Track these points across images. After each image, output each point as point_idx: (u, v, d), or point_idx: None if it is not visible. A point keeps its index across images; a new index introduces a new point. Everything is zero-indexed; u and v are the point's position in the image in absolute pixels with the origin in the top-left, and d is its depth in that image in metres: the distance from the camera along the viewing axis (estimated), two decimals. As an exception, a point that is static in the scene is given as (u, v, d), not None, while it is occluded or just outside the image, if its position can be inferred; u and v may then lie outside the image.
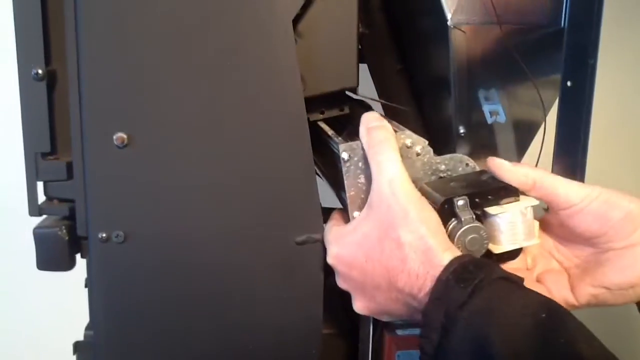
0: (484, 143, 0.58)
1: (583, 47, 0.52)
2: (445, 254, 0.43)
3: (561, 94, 0.53)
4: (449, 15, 0.51)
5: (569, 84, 0.53)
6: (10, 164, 0.74)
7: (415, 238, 0.44)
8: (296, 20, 0.51)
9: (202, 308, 0.52)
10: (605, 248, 0.48)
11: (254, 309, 0.53)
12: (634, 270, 0.46)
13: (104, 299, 0.51)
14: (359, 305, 0.49)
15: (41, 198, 0.51)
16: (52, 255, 0.51)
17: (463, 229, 0.46)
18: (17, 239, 0.64)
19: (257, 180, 0.51)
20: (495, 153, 0.58)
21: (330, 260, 0.50)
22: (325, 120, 0.60)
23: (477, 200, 0.47)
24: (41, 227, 0.51)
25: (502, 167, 0.48)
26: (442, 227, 0.46)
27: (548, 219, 0.52)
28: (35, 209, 0.51)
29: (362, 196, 0.50)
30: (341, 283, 0.50)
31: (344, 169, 0.49)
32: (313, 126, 0.57)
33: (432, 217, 0.45)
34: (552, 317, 0.39)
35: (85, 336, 0.55)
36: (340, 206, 0.55)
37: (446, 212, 0.46)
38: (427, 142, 0.50)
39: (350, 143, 0.49)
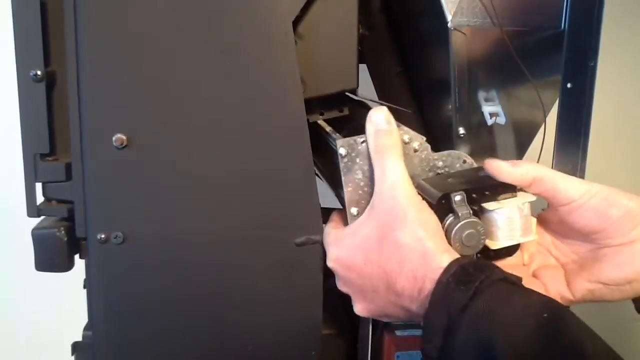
0: (484, 144, 0.58)
1: (583, 50, 0.52)
2: (444, 256, 0.43)
3: (561, 96, 0.53)
4: (449, 17, 0.51)
5: (569, 85, 0.53)
6: (9, 165, 0.74)
7: (413, 240, 0.44)
8: (296, 22, 0.51)
9: (202, 309, 0.52)
10: (603, 244, 0.48)
11: (253, 309, 0.53)
12: (631, 267, 0.47)
13: (103, 299, 0.51)
14: (359, 308, 0.49)
15: (40, 199, 0.51)
16: (51, 256, 0.51)
17: (460, 224, 0.46)
18: (15, 240, 0.64)
19: (256, 181, 0.51)
20: (495, 154, 0.58)
21: (330, 263, 0.50)
22: (325, 120, 0.60)
23: (474, 196, 0.47)
24: (40, 228, 0.51)
25: (500, 170, 0.48)
26: (441, 231, 0.46)
27: (546, 215, 0.52)
28: (33, 210, 0.51)
29: (360, 192, 0.50)
30: (341, 286, 0.50)
31: (341, 165, 0.50)
32: (312, 126, 0.57)
33: (431, 219, 0.46)
34: (554, 316, 0.39)
35: (83, 337, 0.55)
36: (339, 206, 0.55)
37: (443, 207, 0.47)
38: (425, 139, 0.50)
39: (347, 139, 0.49)
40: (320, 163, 0.62)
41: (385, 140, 0.48)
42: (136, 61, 0.48)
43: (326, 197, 0.56)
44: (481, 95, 0.55)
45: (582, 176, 0.55)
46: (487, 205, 0.48)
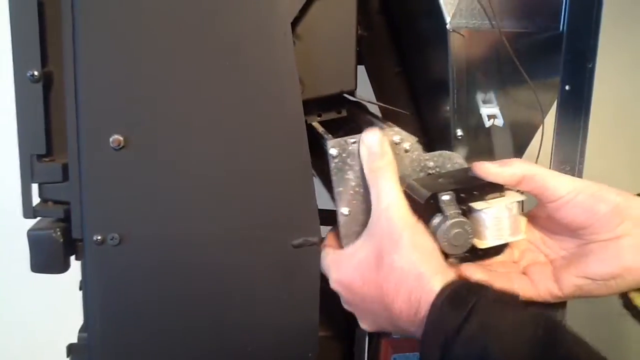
0: (481, 146, 0.58)
1: (582, 52, 0.52)
2: (437, 279, 0.44)
3: (560, 98, 0.53)
4: (448, 19, 0.51)
5: (567, 87, 0.53)
6: (5, 165, 0.73)
7: (407, 263, 0.45)
8: (295, 23, 0.51)
9: (199, 310, 0.52)
10: (591, 240, 0.49)
11: (250, 311, 0.53)
12: (617, 262, 0.47)
13: (99, 301, 0.51)
14: (364, 326, 0.51)
15: (36, 200, 0.51)
16: (47, 257, 0.50)
17: (448, 223, 0.47)
18: (11, 241, 0.63)
19: (254, 182, 0.50)
20: (493, 156, 0.58)
21: (332, 285, 0.51)
22: (323, 121, 0.60)
23: (462, 195, 0.48)
24: (35, 229, 0.50)
25: (488, 172, 0.49)
26: (436, 252, 0.46)
27: (536, 212, 0.53)
28: (29, 211, 0.50)
29: (351, 192, 0.50)
30: (345, 306, 0.51)
31: (332, 165, 0.50)
32: (309, 128, 0.57)
33: (426, 242, 0.46)
34: (549, 331, 0.40)
35: (79, 339, 0.55)
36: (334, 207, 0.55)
37: (432, 207, 0.47)
38: (416, 139, 0.51)
39: (338, 139, 0.50)
40: (317, 165, 0.62)
41: (379, 163, 0.48)
42: (134, 62, 0.48)
43: (324, 198, 0.56)
44: (479, 97, 0.55)
45: (580, 177, 0.55)
46: (475, 205, 0.48)
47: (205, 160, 0.50)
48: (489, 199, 0.48)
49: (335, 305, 0.54)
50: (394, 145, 0.50)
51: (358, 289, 0.48)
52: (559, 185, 0.48)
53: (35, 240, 0.50)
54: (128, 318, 0.51)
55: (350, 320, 0.60)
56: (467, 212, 0.48)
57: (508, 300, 0.43)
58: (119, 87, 0.48)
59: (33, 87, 0.48)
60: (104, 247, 0.49)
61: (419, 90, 0.65)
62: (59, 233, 0.50)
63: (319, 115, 0.59)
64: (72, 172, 0.49)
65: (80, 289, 0.52)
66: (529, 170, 0.48)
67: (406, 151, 0.50)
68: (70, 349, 0.56)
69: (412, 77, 0.65)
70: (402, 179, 0.49)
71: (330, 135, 0.52)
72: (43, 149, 0.49)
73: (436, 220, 0.47)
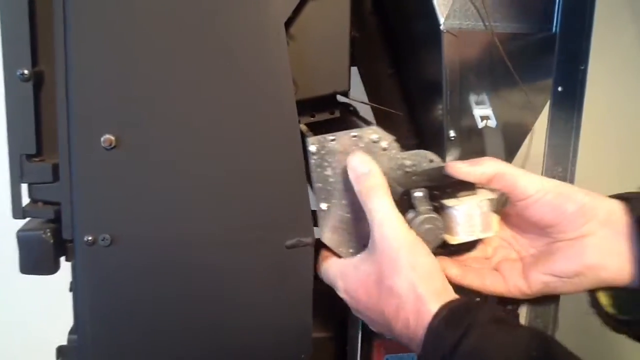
0: (474, 147, 0.58)
1: (574, 53, 0.52)
2: (434, 300, 0.44)
3: (552, 99, 0.54)
4: (441, 20, 0.51)
5: (560, 89, 0.53)
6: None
7: (406, 286, 0.45)
8: (288, 23, 0.51)
9: (191, 312, 0.52)
10: (558, 238, 0.50)
11: (243, 312, 0.52)
12: (580, 259, 0.48)
13: (89, 302, 0.50)
14: (374, 329, 0.51)
15: (25, 200, 0.50)
16: (36, 258, 0.50)
17: (419, 219, 0.48)
18: (0, 242, 0.63)
19: (246, 183, 0.50)
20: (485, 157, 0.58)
21: (340, 293, 0.51)
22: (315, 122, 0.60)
23: (435, 193, 0.50)
24: (25, 230, 0.50)
25: (459, 172, 0.50)
26: (436, 271, 0.46)
27: (508, 210, 0.54)
28: (19, 212, 0.50)
29: (329, 188, 0.51)
30: (354, 312, 0.51)
31: (311, 162, 0.51)
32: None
33: (424, 261, 0.46)
34: (544, 349, 0.40)
35: (69, 341, 0.55)
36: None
37: (405, 203, 0.49)
38: (393, 138, 0.52)
39: (318, 137, 0.50)
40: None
41: (368, 183, 0.49)
42: (126, 61, 0.47)
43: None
44: (472, 98, 0.56)
45: (572, 179, 0.55)
46: (447, 202, 0.50)
47: (198, 160, 0.49)
48: (461, 197, 0.50)
49: (329, 306, 0.54)
50: (372, 143, 0.51)
51: (364, 302, 0.48)
52: (528, 184, 0.49)
53: (24, 241, 0.49)
54: (119, 320, 0.51)
55: (342, 321, 0.60)
56: (440, 209, 0.50)
57: (504, 319, 0.43)
58: (110, 87, 0.47)
59: (23, 86, 0.47)
60: (95, 247, 0.49)
61: (412, 91, 0.65)
62: (49, 234, 0.49)
63: (312, 116, 0.59)
64: (62, 172, 0.49)
65: (71, 290, 0.52)
66: (499, 168, 0.50)
67: (384, 149, 0.51)
68: (60, 351, 0.55)
69: (405, 78, 0.65)
70: None
71: (311, 133, 0.53)
72: (33, 149, 0.48)
73: (409, 216, 0.49)
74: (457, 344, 0.41)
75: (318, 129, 0.57)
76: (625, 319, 0.49)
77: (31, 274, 0.50)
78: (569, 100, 0.54)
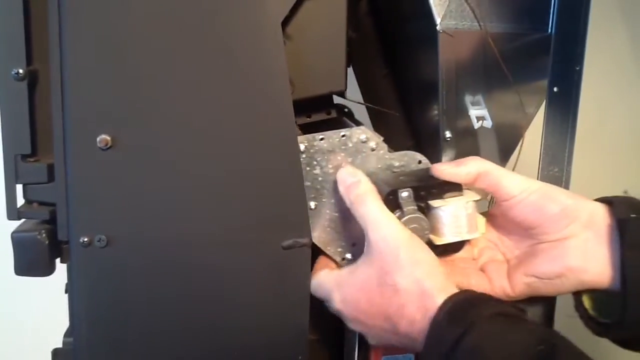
0: (470, 148, 0.58)
1: (570, 54, 0.53)
2: (440, 295, 0.44)
3: (548, 100, 0.54)
4: (438, 20, 0.51)
5: (555, 89, 0.53)
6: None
7: (410, 282, 0.45)
8: (285, 23, 0.51)
9: (187, 313, 0.51)
10: (541, 240, 0.50)
11: (239, 314, 0.52)
12: (561, 261, 0.48)
13: (85, 304, 0.50)
14: (372, 342, 0.51)
15: (20, 201, 0.50)
16: (31, 260, 0.49)
17: (404, 219, 0.48)
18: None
19: (243, 183, 0.50)
20: (481, 157, 0.59)
21: (337, 305, 0.50)
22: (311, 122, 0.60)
23: (422, 193, 0.50)
24: (20, 231, 0.49)
25: (443, 173, 0.50)
26: (437, 266, 0.46)
27: (494, 211, 0.54)
28: (13, 213, 0.49)
29: (317, 187, 0.52)
30: (351, 324, 0.51)
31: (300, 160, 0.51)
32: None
33: (426, 257, 0.46)
34: (550, 349, 0.39)
35: (64, 343, 0.54)
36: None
37: (391, 202, 0.49)
38: (382, 138, 0.52)
39: (307, 135, 0.51)
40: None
41: (357, 191, 0.49)
42: (122, 60, 0.47)
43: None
44: (468, 98, 0.56)
45: (568, 179, 0.56)
46: (433, 203, 0.50)
47: (194, 160, 0.49)
48: (447, 197, 0.51)
49: (325, 308, 0.54)
50: (361, 143, 0.52)
51: (364, 309, 0.48)
52: (512, 185, 0.49)
53: (19, 242, 0.49)
54: (115, 322, 0.51)
55: (339, 322, 0.60)
56: (426, 210, 0.50)
57: (509, 313, 0.43)
58: (106, 86, 0.47)
59: (18, 85, 0.47)
60: (90, 249, 0.48)
61: (408, 91, 0.65)
62: (44, 235, 0.49)
63: (309, 117, 0.59)
64: (58, 173, 0.48)
65: (66, 292, 0.51)
66: (483, 167, 0.50)
67: (372, 150, 0.52)
68: (56, 353, 0.54)
69: (401, 79, 0.66)
70: (368, 177, 0.51)
71: (300, 132, 0.53)
72: (28, 149, 0.48)
73: (395, 215, 0.49)
74: (458, 340, 0.40)
75: (309, 130, 0.57)
76: (605, 322, 0.49)
77: (26, 275, 0.49)
78: (565, 101, 0.54)
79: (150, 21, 0.47)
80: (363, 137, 0.52)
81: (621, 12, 1.03)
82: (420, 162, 0.53)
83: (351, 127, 0.54)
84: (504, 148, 0.60)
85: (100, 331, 0.50)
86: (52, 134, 0.47)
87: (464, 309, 0.42)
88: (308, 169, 0.52)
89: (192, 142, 0.49)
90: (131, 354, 0.51)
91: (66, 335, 0.54)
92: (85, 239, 0.48)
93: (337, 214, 0.53)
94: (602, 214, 0.48)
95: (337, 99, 0.61)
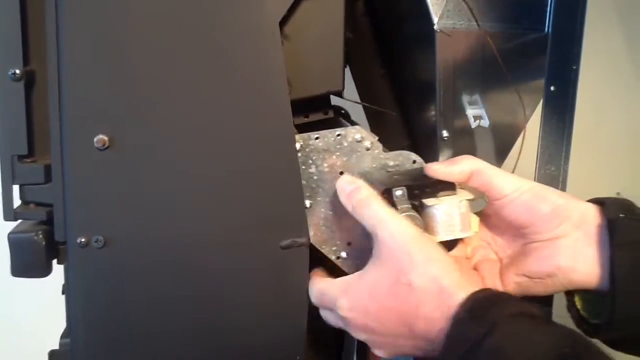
0: (467, 147, 0.58)
1: (566, 53, 0.53)
2: (460, 292, 0.42)
3: (545, 99, 0.54)
4: (435, 19, 0.51)
5: (552, 88, 0.54)
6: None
7: (426, 280, 0.44)
8: (283, 23, 0.51)
9: (185, 314, 0.51)
10: (532, 239, 0.50)
11: (237, 314, 0.52)
12: (552, 261, 0.49)
13: (82, 305, 0.50)
14: (382, 352, 0.48)
15: (17, 202, 0.49)
16: (28, 261, 0.49)
17: None
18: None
19: (240, 183, 0.50)
20: (478, 157, 0.59)
21: (343, 313, 0.47)
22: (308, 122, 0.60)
23: (416, 192, 0.51)
24: (16, 232, 0.49)
25: (436, 173, 0.50)
26: (451, 262, 0.45)
27: (487, 210, 0.54)
28: (10, 214, 0.49)
29: (313, 186, 0.52)
30: (358, 334, 0.48)
31: None
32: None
33: (440, 255, 0.45)
34: (575, 350, 0.38)
35: (61, 345, 0.54)
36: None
37: (386, 201, 0.49)
38: (376, 138, 0.53)
39: (302, 134, 0.51)
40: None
41: (358, 196, 0.49)
42: (119, 60, 0.47)
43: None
44: (465, 98, 0.56)
45: (565, 177, 0.56)
46: (427, 202, 0.51)
47: (192, 160, 0.49)
48: (440, 196, 0.51)
49: (323, 322, 0.54)
50: (355, 142, 0.52)
51: (375, 314, 0.46)
52: (504, 184, 0.49)
53: (16, 243, 0.49)
54: (112, 323, 0.50)
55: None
56: (420, 208, 0.51)
57: (533, 314, 0.42)
58: (103, 86, 0.47)
59: (14, 85, 0.46)
60: (88, 249, 0.48)
61: (405, 91, 0.65)
62: (40, 236, 0.48)
63: (306, 117, 0.59)
64: (55, 173, 0.48)
65: (63, 293, 0.51)
66: (476, 166, 0.50)
67: (367, 149, 0.52)
68: (53, 355, 0.54)
69: (398, 79, 0.66)
70: (363, 176, 0.52)
71: (295, 131, 0.53)
72: (25, 150, 0.48)
73: None
74: (481, 340, 0.39)
75: (306, 130, 0.57)
76: (596, 322, 0.49)
77: (23, 276, 0.49)
78: (561, 100, 0.54)
79: (147, 21, 0.47)
80: (358, 136, 0.52)
81: (617, 12, 1.04)
82: (414, 161, 0.53)
83: (346, 126, 0.54)
84: (501, 147, 0.60)
85: (98, 332, 0.50)
86: (49, 134, 0.47)
87: (485, 307, 0.41)
88: (303, 167, 0.52)
89: (189, 142, 0.49)
90: (128, 355, 0.51)
91: (63, 336, 0.54)
92: (83, 240, 0.48)
93: (332, 213, 0.53)
94: (593, 214, 0.48)
95: (334, 99, 0.61)
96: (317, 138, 0.52)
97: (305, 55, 0.53)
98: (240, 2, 0.47)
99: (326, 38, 0.54)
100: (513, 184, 0.49)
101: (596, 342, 0.44)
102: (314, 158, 0.52)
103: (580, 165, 0.63)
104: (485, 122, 0.56)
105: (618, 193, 0.70)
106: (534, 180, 0.58)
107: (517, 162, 0.59)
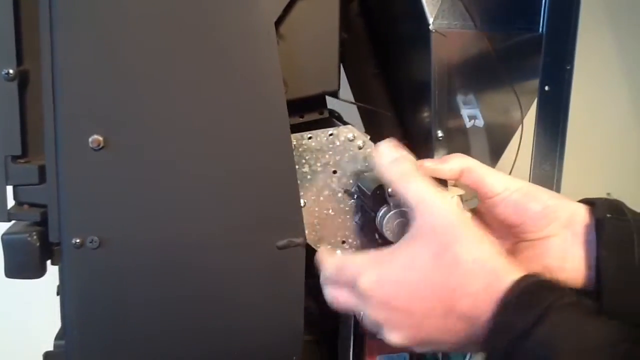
0: (462, 147, 0.58)
1: (561, 53, 0.53)
2: (509, 275, 0.40)
3: (539, 99, 0.54)
4: (430, 20, 0.52)
5: (547, 88, 0.54)
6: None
7: (474, 258, 0.41)
8: (278, 23, 0.51)
9: (181, 314, 0.51)
10: (523, 238, 0.50)
11: (234, 314, 0.52)
12: (542, 260, 0.48)
13: (77, 306, 0.50)
14: (399, 336, 0.44)
15: (10, 203, 0.49)
16: (22, 262, 0.49)
17: (391, 213, 0.49)
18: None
19: (236, 183, 0.50)
20: (472, 157, 0.59)
21: (367, 287, 0.43)
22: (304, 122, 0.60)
23: None
24: (10, 233, 0.49)
25: (427, 170, 0.50)
26: (500, 247, 0.43)
27: (479, 209, 0.54)
28: (4, 215, 0.49)
29: (307, 185, 0.54)
30: (377, 313, 0.44)
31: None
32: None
33: (488, 236, 0.43)
34: (635, 348, 0.36)
35: (55, 346, 0.54)
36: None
37: (379, 198, 0.50)
38: (368, 137, 0.54)
39: (295, 134, 0.52)
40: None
41: (400, 168, 0.46)
42: (114, 60, 0.47)
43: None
44: (460, 98, 0.56)
45: (559, 176, 0.56)
46: None
47: (187, 161, 0.49)
48: None
49: (320, 307, 0.54)
50: (348, 141, 0.53)
51: (409, 290, 0.42)
52: (495, 182, 0.49)
53: (9, 244, 0.48)
54: (107, 324, 0.50)
55: (333, 321, 0.60)
56: None
57: (586, 305, 0.40)
58: (98, 86, 0.47)
59: (8, 85, 0.46)
60: (82, 250, 0.48)
61: (400, 92, 0.65)
62: (34, 237, 0.48)
63: (301, 117, 0.59)
64: (49, 174, 0.48)
65: (58, 294, 0.51)
66: (466, 164, 0.50)
67: (359, 148, 0.54)
68: (47, 356, 0.54)
69: (393, 79, 0.66)
70: (356, 174, 0.53)
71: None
72: (18, 150, 0.47)
73: (381, 210, 0.50)
74: (531, 329, 0.37)
75: (301, 130, 0.57)
76: None
77: (16, 278, 0.49)
78: (556, 100, 0.55)
79: (142, 20, 0.47)
80: (350, 135, 0.53)
81: (611, 13, 1.04)
82: None
83: (339, 126, 0.54)
84: (496, 147, 0.61)
85: (92, 334, 0.50)
86: (43, 134, 0.47)
87: (536, 293, 0.39)
88: (297, 167, 0.52)
89: (185, 142, 0.49)
90: (123, 356, 0.51)
91: (57, 337, 0.54)
92: (77, 241, 0.48)
93: (325, 212, 0.53)
94: (582, 214, 0.48)
95: (328, 100, 0.61)
96: (309, 138, 0.53)
97: (300, 55, 0.53)
98: (236, 2, 0.47)
99: (322, 38, 0.54)
100: (504, 182, 0.49)
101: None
102: (307, 157, 0.53)
103: (573, 165, 0.63)
104: (480, 122, 0.57)
105: (608, 193, 0.70)
106: (529, 179, 0.58)
107: (514, 161, 0.59)
